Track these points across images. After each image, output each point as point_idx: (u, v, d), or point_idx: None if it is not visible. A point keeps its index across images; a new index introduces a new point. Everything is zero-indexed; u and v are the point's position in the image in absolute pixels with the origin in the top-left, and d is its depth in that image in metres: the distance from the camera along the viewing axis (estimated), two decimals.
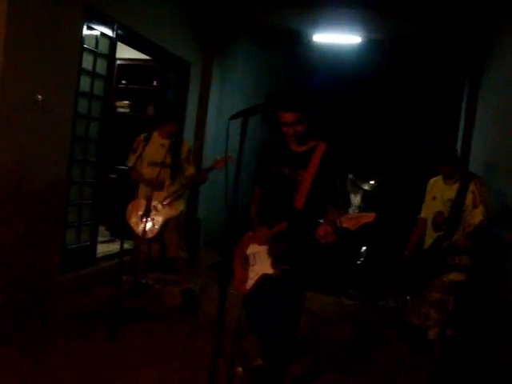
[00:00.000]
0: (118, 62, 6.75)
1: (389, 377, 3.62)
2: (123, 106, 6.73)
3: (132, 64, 6.71)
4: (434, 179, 3.69)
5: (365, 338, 4.39)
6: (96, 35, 4.55)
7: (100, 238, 5.48)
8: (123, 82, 6.75)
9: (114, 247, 5.32)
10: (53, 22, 3.99)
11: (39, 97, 3.88)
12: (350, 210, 6.93)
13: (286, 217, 2.83)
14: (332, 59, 6.94)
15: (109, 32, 4.70)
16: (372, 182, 6.76)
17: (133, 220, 4.29)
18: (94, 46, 4.54)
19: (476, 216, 3.25)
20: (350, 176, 7.15)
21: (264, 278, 2.89)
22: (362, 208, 7.14)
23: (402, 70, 7.13)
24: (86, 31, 4.38)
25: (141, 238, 4.26)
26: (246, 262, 3.02)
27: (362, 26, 6.04)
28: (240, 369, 3.31)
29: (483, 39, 5.51)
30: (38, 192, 4.05)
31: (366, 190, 7.10)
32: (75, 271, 4.58)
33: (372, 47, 6.42)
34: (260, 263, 2.93)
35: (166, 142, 4.35)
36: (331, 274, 6.28)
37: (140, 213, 4.23)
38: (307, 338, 4.20)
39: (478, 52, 5.62)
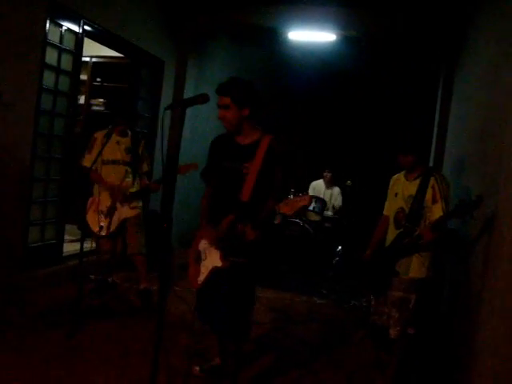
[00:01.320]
0: (94, 59, 6.74)
1: (349, 375, 3.59)
2: (98, 103, 6.67)
3: (107, 62, 6.65)
4: (396, 176, 3.64)
5: (331, 338, 4.34)
6: (61, 30, 4.50)
7: (70, 237, 5.42)
8: (98, 79, 6.69)
9: (85, 246, 5.24)
10: (14, 15, 3.94)
11: None
12: (329, 211, 6.97)
13: (232, 209, 2.85)
14: (309, 57, 6.92)
15: (75, 27, 4.65)
16: (349, 182, 6.76)
17: (89, 217, 4.23)
18: (58, 41, 4.47)
19: (435, 212, 3.20)
20: (328, 174, 7.16)
21: (214, 271, 2.91)
22: (338, 208, 7.15)
23: (378, 67, 7.11)
24: (50, 26, 4.32)
25: (97, 236, 4.21)
26: (198, 258, 3.04)
27: (337, 24, 6.02)
28: (197, 368, 3.30)
29: (457, 35, 5.48)
30: None
31: (344, 190, 7.10)
32: (38, 269, 4.50)
33: (348, 44, 6.39)
34: (210, 257, 2.96)
35: (122, 139, 4.33)
36: (305, 272, 6.27)
37: (96, 210, 4.17)
38: (273, 336, 4.21)
39: (453, 48, 5.59)
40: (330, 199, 7.29)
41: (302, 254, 6.40)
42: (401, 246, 3.35)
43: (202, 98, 2.34)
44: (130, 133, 4.43)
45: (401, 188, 3.50)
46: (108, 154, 4.22)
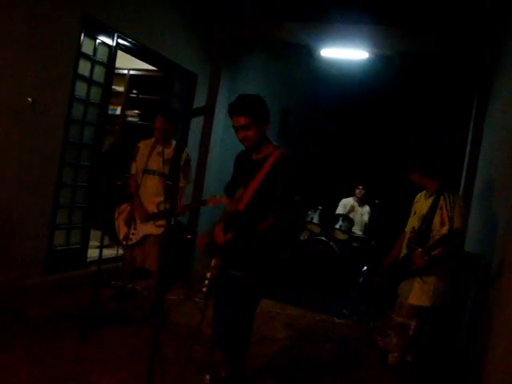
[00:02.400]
0: (131, 72, 6.96)
1: None
2: (133, 115, 6.86)
3: (144, 75, 6.84)
4: (420, 193, 3.54)
5: (343, 358, 4.25)
6: (95, 43, 4.67)
7: (97, 243, 5.55)
8: (134, 91, 6.88)
9: (110, 252, 5.37)
10: (49, 28, 4.14)
11: (29, 99, 4.01)
12: (356, 228, 6.84)
13: (228, 218, 2.86)
14: (342, 74, 6.90)
15: (108, 41, 4.82)
16: (377, 201, 6.64)
17: (118, 224, 4.33)
18: (92, 53, 4.65)
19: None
20: (362, 191, 7.03)
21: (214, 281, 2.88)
22: (368, 227, 7.02)
23: (410, 87, 7.01)
24: (84, 38, 4.50)
25: (122, 244, 4.29)
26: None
27: (370, 42, 5.98)
28: (208, 377, 3.30)
29: (492, 54, 5.35)
30: (25, 191, 4.15)
31: (372, 209, 6.98)
32: (62, 272, 4.64)
33: (382, 63, 6.34)
34: (211, 266, 2.91)
35: (165, 150, 4.07)
36: (329, 291, 6.18)
37: (124, 219, 4.26)
38: (286, 353, 4.16)
39: (487, 67, 5.45)
40: (362, 218, 7.17)
41: (326, 272, 6.32)
42: (403, 268, 3.25)
43: (206, 110, 2.37)
44: (173, 143, 4.35)
45: (419, 206, 3.42)
46: (148, 164, 4.25)
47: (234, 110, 2.75)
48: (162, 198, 4.22)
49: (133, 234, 4.27)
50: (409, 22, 5.70)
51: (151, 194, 4.24)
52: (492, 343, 2.95)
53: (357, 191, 7.14)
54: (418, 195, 3.54)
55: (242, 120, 2.72)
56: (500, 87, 4.94)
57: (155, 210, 4.23)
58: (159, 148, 4.20)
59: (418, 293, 3.16)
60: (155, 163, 4.26)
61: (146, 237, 4.30)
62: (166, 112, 4.38)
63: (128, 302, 4.62)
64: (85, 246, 5.01)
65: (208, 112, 2.36)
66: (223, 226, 2.80)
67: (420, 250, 3.00)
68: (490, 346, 3.00)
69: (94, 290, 3.93)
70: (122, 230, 4.31)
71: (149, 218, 4.22)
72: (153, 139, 4.34)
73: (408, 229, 3.51)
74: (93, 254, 5.25)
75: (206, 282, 2.95)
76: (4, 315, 3.91)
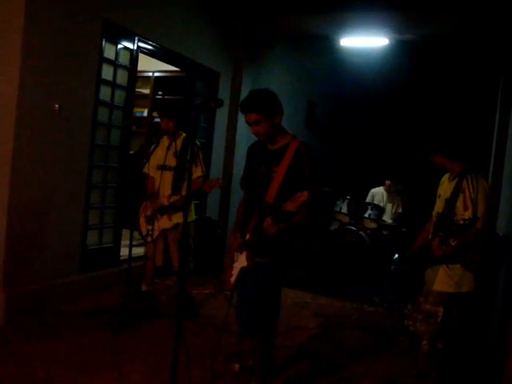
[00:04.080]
0: (156, 74, 7.13)
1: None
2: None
3: (168, 76, 7.00)
4: (445, 175, 3.47)
5: (374, 345, 4.26)
6: (116, 48, 4.82)
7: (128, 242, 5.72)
8: (159, 93, 7.04)
9: (141, 250, 5.51)
10: (72, 34, 4.28)
11: (56, 105, 4.18)
12: (387, 216, 6.81)
13: (257, 211, 2.92)
14: (365, 62, 6.85)
15: (129, 45, 4.96)
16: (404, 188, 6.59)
17: (141, 222, 4.45)
18: (114, 57, 4.80)
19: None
20: (388, 182, 7.00)
21: (242, 272, 2.99)
22: (399, 213, 6.97)
23: (435, 70, 6.88)
24: (105, 44, 4.65)
25: (145, 240, 4.41)
26: (232, 260, 3.13)
27: (390, 28, 5.93)
28: (237, 365, 3.39)
29: None
30: (59, 195, 4.34)
31: (402, 196, 6.93)
32: (95, 271, 4.82)
33: (404, 48, 6.27)
34: (240, 259, 3.04)
35: (172, 144, 4.29)
36: (360, 280, 6.18)
37: (147, 214, 4.37)
38: (316, 341, 4.20)
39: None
40: (393, 206, 7.13)
41: (357, 261, 6.32)
42: (428, 255, 3.21)
43: (215, 103, 2.44)
44: (182, 136, 4.39)
45: (443, 189, 3.35)
46: (157, 160, 4.34)
47: (244, 108, 2.86)
48: (170, 191, 4.29)
49: (154, 230, 4.33)
50: (429, 4, 5.62)
51: (168, 188, 4.32)
52: None
53: (386, 182, 7.11)
54: (444, 177, 3.46)
55: (253, 117, 2.83)
56: None
57: (166, 204, 4.30)
58: (166, 142, 4.33)
59: (443, 279, 3.11)
60: (166, 158, 4.33)
61: (164, 233, 4.38)
62: (166, 110, 4.41)
63: (146, 302, 4.63)
64: (117, 245, 5.18)
65: (218, 105, 2.43)
66: (271, 219, 2.81)
67: (437, 239, 2.92)
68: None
69: (125, 286, 4.08)
70: (144, 227, 4.41)
71: (160, 212, 4.29)
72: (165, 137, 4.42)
73: (434, 213, 3.46)
74: (125, 252, 5.37)
75: (234, 273, 3.06)
76: (43, 312, 4.13)
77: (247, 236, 2.97)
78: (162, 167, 4.34)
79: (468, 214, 2.92)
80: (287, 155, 2.88)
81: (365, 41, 6.27)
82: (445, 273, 3.08)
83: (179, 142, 4.34)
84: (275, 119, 2.88)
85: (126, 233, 5.43)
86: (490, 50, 5.79)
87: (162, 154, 4.33)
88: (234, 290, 3.09)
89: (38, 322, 3.98)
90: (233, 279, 3.06)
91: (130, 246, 4.10)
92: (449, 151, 3.23)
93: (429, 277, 3.19)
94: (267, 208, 2.86)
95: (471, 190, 2.98)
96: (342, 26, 6.16)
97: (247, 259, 2.96)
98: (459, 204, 3.02)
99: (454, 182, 3.16)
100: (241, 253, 3.02)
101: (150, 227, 4.31)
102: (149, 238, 4.37)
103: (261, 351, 3.15)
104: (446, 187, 3.31)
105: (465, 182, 3.03)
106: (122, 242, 5.29)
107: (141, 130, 7.04)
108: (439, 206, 3.31)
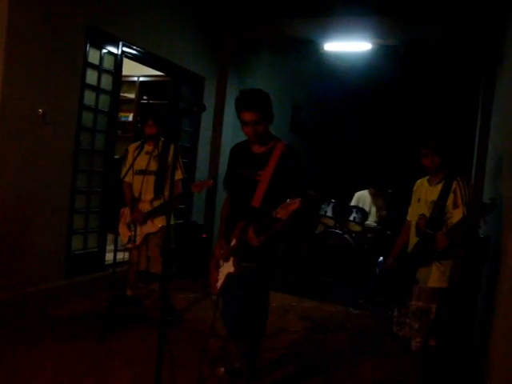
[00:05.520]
0: (141, 78, 7.11)
1: None
2: None
3: (154, 81, 6.99)
4: (420, 180, 3.55)
5: (359, 348, 4.28)
6: (100, 52, 4.82)
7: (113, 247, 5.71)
8: (145, 97, 7.03)
9: (127, 255, 5.49)
10: (55, 39, 4.30)
11: (40, 110, 4.17)
12: (371, 219, 6.86)
13: (244, 216, 2.91)
14: (348, 67, 6.93)
15: (113, 50, 4.97)
16: (390, 191, 6.65)
17: (120, 228, 4.37)
18: (98, 62, 4.80)
19: (456, 217, 3.09)
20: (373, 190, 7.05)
21: (229, 277, 2.99)
22: (383, 216, 7.02)
23: (417, 75, 6.98)
24: (89, 49, 4.65)
25: (128, 247, 4.38)
26: (217, 265, 3.13)
27: (373, 33, 6.01)
28: (222, 369, 3.40)
29: (497, 39, 5.32)
30: (43, 200, 4.32)
31: (386, 200, 6.98)
32: (80, 276, 4.80)
33: (386, 53, 6.36)
34: (226, 264, 3.03)
35: (151, 148, 4.29)
36: (345, 283, 6.22)
37: (125, 222, 4.33)
38: (301, 344, 4.23)
39: (493, 52, 5.42)
40: (377, 209, 7.17)
41: (342, 264, 6.36)
42: (420, 254, 3.28)
43: (198, 108, 2.46)
44: (161, 140, 4.37)
45: (424, 193, 3.41)
46: (137, 165, 4.25)
47: (244, 106, 2.80)
48: (153, 195, 4.26)
49: (136, 236, 4.28)
50: (411, 10, 5.71)
51: (150, 192, 4.27)
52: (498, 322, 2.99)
53: (371, 189, 7.16)
54: (418, 182, 3.53)
55: (254, 116, 2.78)
56: (507, 67, 4.91)
57: (149, 208, 4.27)
58: (147, 147, 4.30)
59: (436, 275, 3.18)
60: (146, 163, 4.28)
61: (148, 237, 4.33)
62: (149, 115, 4.37)
63: (131, 306, 4.55)
64: (102, 250, 5.17)
65: (200, 111, 2.44)
66: (253, 229, 2.81)
67: (444, 231, 3.05)
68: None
69: (110, 291, 4.07)
70: (125, 234, 4.35)
71: (145, 217, 4.25)
72: (138, 142, 4.38)
73: (411, 217, 3.52)
74: (111, 257, 5.37)
75: (220, 278, 3.05)
76: (28, 317, 4.10)
77: (233, 241, 2.96)
78: (144, 172, 4.28)
79: (457, 212, 3.05)
80: (272, 159, 2.87)
81: (348, 45, 6.34)
82: (437, 269, 3.16)
83: (160, 145, 4.33)
84: (271, 121, 2.87)
85: (111, 237, 5.44)
86: (471, 53, 5.89)
87: (144, 158, 4.29)
88: (220, 295, 3.10)
89: (22, 328, 3.94)
90: (219, 284, 3.07)
91: (115, 251, 4.10)
92: (448, 154, 3.27)
93: (421, 275, 3.24)
94: (254, 212, 2.85)
95: (463, 192, 3.08)
96: (325, 30, 6.24)
97: (234, 265, 2.95)
98: (449, 203, 3.12)
99: (439, 185, 3.24)
100: (227, 259, 3.01)
101: (131, 233, 4.29)
102: (131, 245, 4.33)
103: (247, 354, 3.17)
104: (427, 191, 3.37)
105: (455, 184, 3.13)
106: (107, 247, 5.28)
107: (126, 134, 7.02)
108: (422, 210, 3.37)
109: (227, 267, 3.01)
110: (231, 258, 2.97)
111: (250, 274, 2.94)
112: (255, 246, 2.84)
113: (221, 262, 3.09)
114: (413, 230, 3.46)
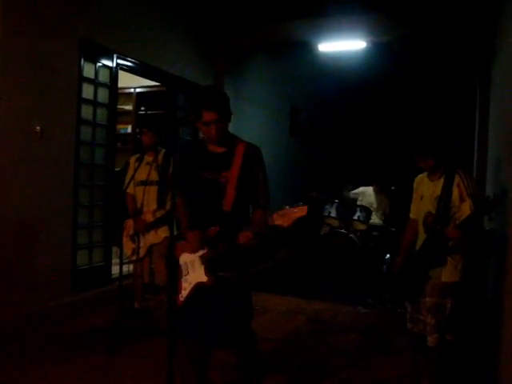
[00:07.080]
0: (138, 90, 7.12)
1: None
2: None
3: (150, 91, 6.99)
4: (419, 177, 3.50)
5: (370, 347, 4.25)
6: (95, 66, 4.82)
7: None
8: (142, 108, 7.04)
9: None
10: (49, 54, 4.30)
11: (37, 128, 4.17)
12: (376, 216, 6.84)
13: (217, 221, 2.72)
14: (343, 66, 6.93)
15: (108, 62, 4.97)
16: (393, 188, 6.64)
17: (124, 241, 4.39)
18: (93, 76, 4.80)
19: (464, 210, 3.05)
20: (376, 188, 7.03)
21: (199, 287, 2.73)
22: (388, 215, 7.00)
23: (413, 70, 6.97)
24: (84, 62, 4.66)
25: (132, 259, 4.37)
26: (179, 272, 2.84)
27: (366, 31, 6.01)
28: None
29: (491, 33, 5.30)
30: (46, 217, 4.33)
31: (389, 197, 6.97)
32: (87, 291, 4.78)
33: (380, 50, 6.36)
34: (193, 272, 2.78)
35: (151, 158, 4.33)
36: (353, 283, 6.19)
37: (128, 234, 4.34)
38: (311, 347, 4.20)
39: (488, 44, 5.40)
40: (381, 207, 7.15)
41: (348, 264, 6.34)
42: (431, 252, 3.24)
43: (193, 117, 2.43)
44: (162, 151, 4.40)
45: (425, 190, 3.38)
46: (139, 176, 4.24)
47: (205, 106, 2.64)
48: (156, 206, 4.27)
49: (140, 247, 4.29)
50: (402, 7, 5.71)
51: (153, 203, 4.28)
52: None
53: (374, 186, 7.14)
54: (417, 179, 3.48)
55: (214, 116, 2.62)
56: (501, 56, 4.90)
57: (152, 219, 4.27)
58: (148, 158, 4.30)
59: (449, 270, 3.16)
60: (147, 173, 4.29)
61: (151, 248, 4.33)
62: (147, 125, 4.44)
63: (139, 319, 4.54)
64: (108, 263, 5.16)
65: (195, 119, 2.40)
66: (218, 229, 2.68)
67: (452, 226, 3.02)
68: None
69: (118, 304, 4.06)
70: (129, 246, 4.36)
71: (148, 228, 4.26)
72: (139, 154, 4.37)
73: (416, 215, 3.48)
74: (117, 270, 5.37)
75: (184, 291, 2.77)
76: (36, 333, 4.09)
77: (205, 250, 2.71)
78: (145, 182, 4.30)
79: (466, 205, 3.02)
80: (236, 159, 2.71)
81: (342, 45, 6.34)
82: (450, 264, 3.13)
83: (160, 156, 4.36)
84: (229, 120, 2.73)
85: (116, 250, 5.43)
86: (465, 48, 5.87)
87: (145, 169, 4.29)
88: (184, 308, 2.76)
89: (29, 345, 3.93)
90: (185, 294, 2.76)
91: (121, 264, 4.09)
92: (439, 153, 3.25)
93: (434, 271, 3.21)
94: (227, 217, 2.68)
95: (466, 185, 3.06)
96: (319, 31, 6.24)
97: (206, 274, 2.69)
98: (454, 198, 3.08)
99: (441, 180, 3.21)
100: (193, 264, 2.75)
101: (134, 245, 4.28)
102: (134, 257, 4.31)
103: (244, 362, 2.91)
104: (429, 187, 3.34)
105: (458, 177, 3.10)
106: (113, 260, 5.27)
107: (126, 146, 7.02)
108: (427, 207, 3.33)
109: (196, 277, 2.74)
110: (202, 266, 2.71)
111: (231, 285, 2.71)
112: (232, 253, 2.64)
113: (185, 269, 2.81)
114: (420, 227, 3.41)
